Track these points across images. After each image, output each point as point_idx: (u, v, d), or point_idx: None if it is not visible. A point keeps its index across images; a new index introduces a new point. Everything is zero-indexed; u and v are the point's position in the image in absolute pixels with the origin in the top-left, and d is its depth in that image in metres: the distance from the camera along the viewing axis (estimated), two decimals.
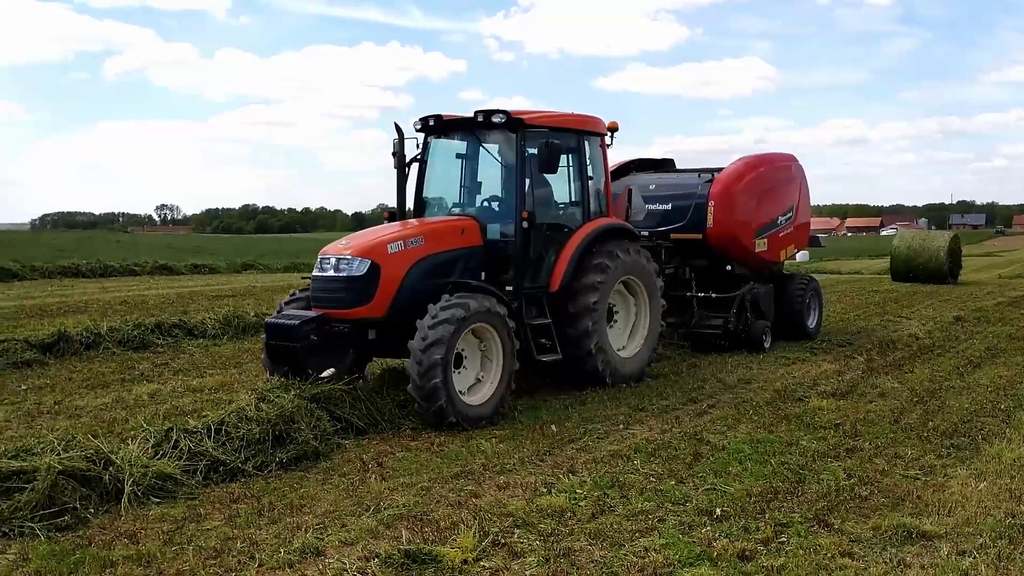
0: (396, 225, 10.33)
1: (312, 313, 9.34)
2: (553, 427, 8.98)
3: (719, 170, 14.41)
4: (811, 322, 15.31)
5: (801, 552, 5.60)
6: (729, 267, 14.06)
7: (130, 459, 6.96)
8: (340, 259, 9.29)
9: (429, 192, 11.18)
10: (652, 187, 14.41)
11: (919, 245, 28.99)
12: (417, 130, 10.97)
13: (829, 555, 5.56)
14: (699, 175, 14.40)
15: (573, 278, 10.52)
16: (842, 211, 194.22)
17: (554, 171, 10.29)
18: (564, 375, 10.80)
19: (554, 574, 5.30)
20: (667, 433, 8.73)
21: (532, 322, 10.22)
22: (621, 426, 9.10)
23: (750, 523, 6.11)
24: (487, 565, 5.43)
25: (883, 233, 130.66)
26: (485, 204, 10.93)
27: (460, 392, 8.95)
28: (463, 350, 9.11)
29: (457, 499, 6.75)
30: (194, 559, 5.55)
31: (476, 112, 10.37)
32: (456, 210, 10.90)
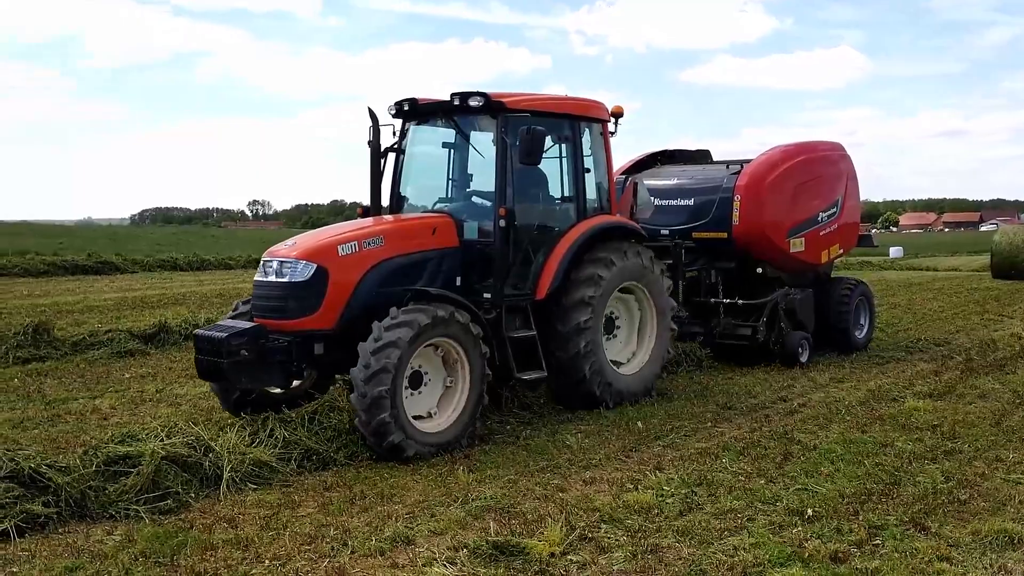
0: (353, 223, 9.07)
1: (245, 324, 8.06)
2: (639, 424, 8.94)
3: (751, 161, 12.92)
4: (860, 332, 13.59)
5: (896, 555, 5.47)
6: (760, 270, 12.43)
7: (228, 446, 7.21)
8: (283, 262, 8.07)
9: (408, 186, 9.94)
10: (674, 181, 13.00)
11: (1022, 241, 27.82)
12: (392, 115, 9.69)
13: (926, 559, 5.42)
14: (727, 167, 12.81)
15: (563, 285, 9.26)
16: (939, 206, 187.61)
17: (536, 162, 8.83)
18: (558, 396, 9.66)
19: (642, 570, 5.29)
20: (756, 432, 8.61)
21: (513, 335, 8.90)
22: (709, 424, 9.01)
23: (843, 524, 5.99)
24: (574, 559, 5.45)
25: (982, 229, 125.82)
26: (465, 199, 9.71)
27: (421, 416, 7.92)
28: (423, 368, 7.98)
29: (543, 493, 6.79)
30: (290, 544, 5.73)
31: (452, 95, 9.05)
32: (440, 206, 9.67)
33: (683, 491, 6.74)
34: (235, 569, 5.33)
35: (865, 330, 13.71)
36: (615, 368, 9.76)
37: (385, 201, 9.84)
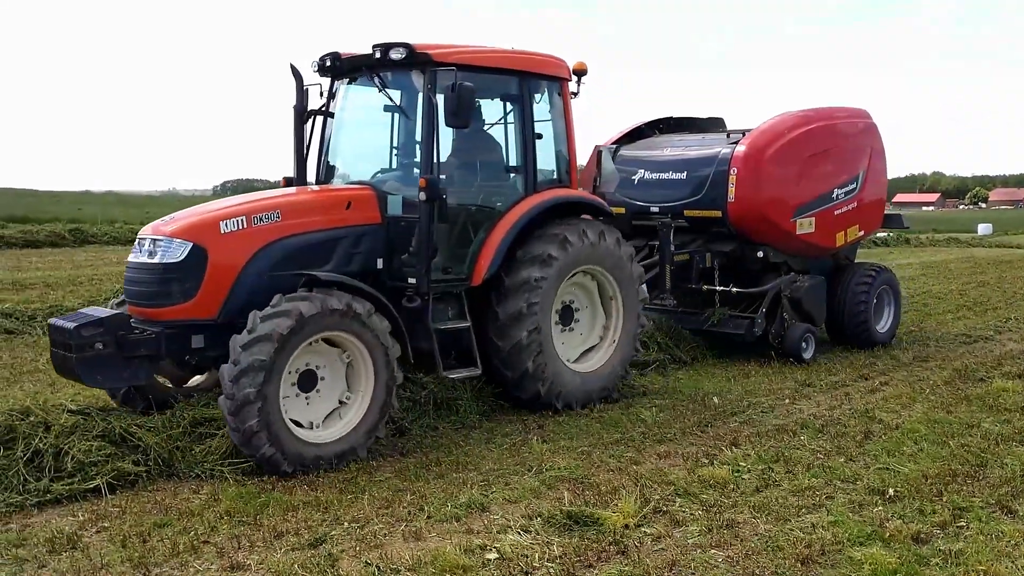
0: (246, 197, 7.86)
1: (104, 312, 6.96)
2: (715, 399, 8.86)
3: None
4: (881, 325, 11.90)
5: (981, 538, 5.33)
6: (760, 253, 10.90)
7: None
8: (155, 240, 6.94)
9: (339, 154, 8.66)
10: (666, 152, 11.47)
11: None
12: (317, 72, 8.46)
13: (1012, 542, 5.27)
14: (728, 136, 11.21)
15: (505, 267, 8.08)
16: None
17: (463, 124, 7.50)
18: (505, 395, 8.49)
19: (717, 544, 5.26)
20: (836, 410, 8.45)
21: (442, 326, 7.74)
22: (787, 401, 8.87)
23: (926, 505, 5.85)
24: (648, 531, 5.45)
25: None
26: (393, 169, 8.55)
27: (317, 424, 6.87)
28: (318, 366, 6.88)
29: (617, 465, 6.79)
30: (368, 508, 5.85)
31: (374, 46, 7.79)
32: (373, 178, 8.40)
33: (759, 467, 6.67)
34: (315, 530, 5.47)
35: (889, 323, 12.05)
36: (568, 364, 8.50)
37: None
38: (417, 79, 7.82)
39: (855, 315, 11.55)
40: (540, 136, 8.52)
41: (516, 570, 4.89)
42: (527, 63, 8.40)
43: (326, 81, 8.48)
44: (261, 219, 7.16)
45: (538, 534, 5.38)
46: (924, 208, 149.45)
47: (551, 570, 4.89)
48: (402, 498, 6.05)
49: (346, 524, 5.58)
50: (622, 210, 11.11)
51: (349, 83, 8.47)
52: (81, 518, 5.69)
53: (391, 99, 8.12)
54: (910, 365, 10.61)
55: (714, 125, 12.28)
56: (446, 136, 8.07)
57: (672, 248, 10.56)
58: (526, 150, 8.41)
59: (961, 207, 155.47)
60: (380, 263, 7.75)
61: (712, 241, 11.05)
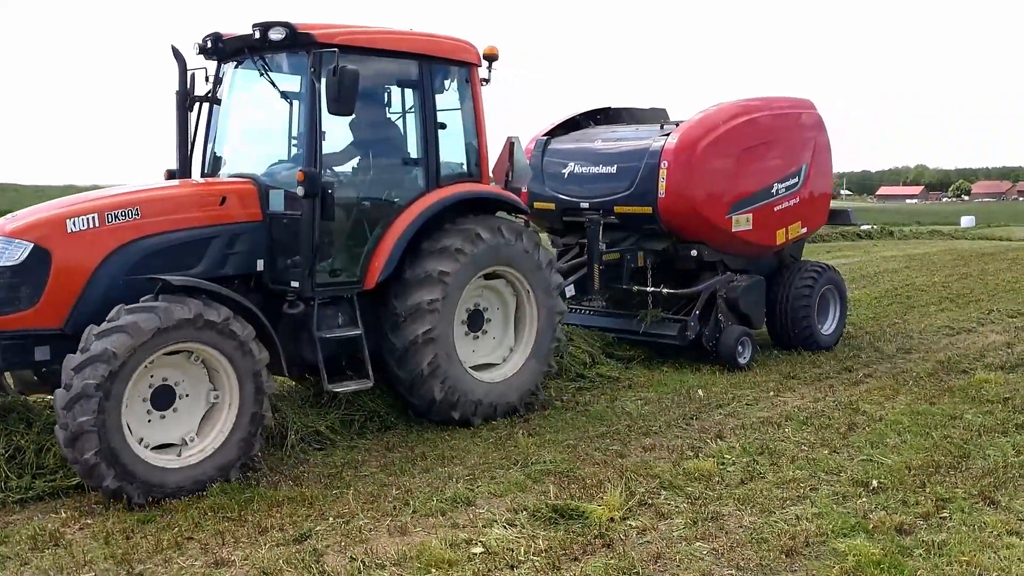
0: (102, 192, 7.07)
1: None
2: (700, 392, 8.88)
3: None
4: (826, 327, 11.24)
5: (964, 528, 5.36)
6: (695, 252, 10.26)
7: (293, 407, 7.35)
8: None
9: (227, 144, 7.86)
10: (597, 143, 10.79)
11: None
12: (200, 54, 7.63)
13: (995, 533, 5.30)
14: (662, 127, 10.57)
15: (406, 262, 7.47)
16: (1013, 174, 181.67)
17: (346, 111, 6.79)
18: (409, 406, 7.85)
19: (702, 537, 5.28)
20: (820, 402, 8.49)
21: (328, 334, 7.06)
22: (771, 393, 8.90)
23: (909, 497, 5.89)
24: (634, 524, 5.46)
25: None
26: (285, 161, 7.76)
27: (176, 444, 6.18)
28: (175, 381, 6.17)
29: (603, 458, 6.80)
30: (353, 502, 5.84)
31: (254, 25, 7.10)
32: (263, 169, 7.58)
33: (744, 459, 6.69)
34: (300, 525, 5.45)
35: (833, 325, 11.38)
36: (472, 372, 7.83)
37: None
38: (300, 62, 7.19)
39: (797, 317, 10.86)
40: (443, 126, 7.83)
41: (502, 564, 4.89)
42: (428, 46, 7.71)
43: (213, 65, 7.74)
44: (116, 217, 6.43)
45: (524, 528, 5.38)
46: (908, 201, 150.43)
47: (536, 563, 4.89)
48: (387, 493, 6.04)
49: (331, 519, 5.56)
50: (551, 205, 10.73)
51: (236, 66, 7.70)
52: (64, 515, 5.66)
53: (274, 84, 7.32)
54: (893, 357, 10.66)
55: (656, 116, 11.54)
56: (340, 125, 7.52)
57: (603, 246, 9.98)
58: (427, 141, 7.71)
59: (944, 200, 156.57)
60: (261, 265, 7.02)
61: (645, 239, 10.42)
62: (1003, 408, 8.15)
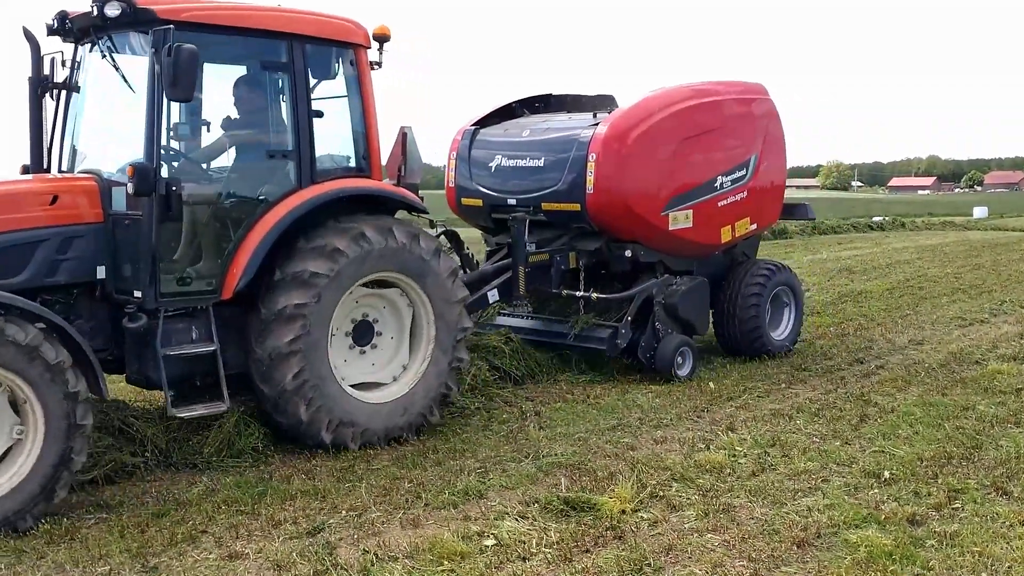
0: None
1: None
2: (711, 384, 8.88)
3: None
4: (779, 332, 10.32)
5: (976, 519, 5.36)
6: (628, 252, 9.30)
7: None
8: None
9: (81, 134, 6.96)
10: (526, 134, 9.72)
11: None
12: (51, 36, 6.78)
13: (1007, 524, 5.29)
14: (595, 115, 9.50)
15: (279, 260, 6.62)
16: None
17: (185, 97, 5.98)
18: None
19: (714, 528, 5.29)
20: (831, 394, 8.47)
21: (175, 351, 6.23)
22: (783, 385, 8.90)
23: (921, 488, 5.88)
24: (645, 516, 5.47)
25: None
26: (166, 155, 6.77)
27: None
28: None
29: (614, 451, 6.81)
30: (365, 496, 5.87)
31: (92, 2, 6.24)
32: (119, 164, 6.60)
33: (756, 451, 6.69)
34: (312, 518, 5.48)
35: (787, 330, 10.46)
36: (350, 389, 6.94)
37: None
38: (141, 41, 6.38)
39: (746, 321, 9.91)
40: (320, 114, 6.96)
41: (513, 556, 4.91)
42: (300, 25, 6.81)
43: (71, 47, 6.90)
44: None
45: (535, 520, 5.40)
46: (920, 192, 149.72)
47: (548, 555, 4.91)
48: (399, 486, 6.07)
49: (344, 512, 5.59)
50: (479, 202, 9.83)
51: (91, 49, 6.75)
52: (79, 510, 5.70)
53: (116, 67, 6.48)
54: (905, 348, 10.63)
55: (604, 104, 10.25)
56: (200, 113, 6.89)
57: (533, 246, 9.17)
58: (300, 132, 6.79)
59: (957, 190, 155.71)
60: (102, 272, 6.21)
61: (577, 239, 9.47)
62: (1015, 399, 8.12)
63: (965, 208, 54.78)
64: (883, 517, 5.38)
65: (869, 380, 9.04)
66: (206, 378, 6.50)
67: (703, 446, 6.88)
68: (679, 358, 9.09)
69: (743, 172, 9.93)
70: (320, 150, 6.98)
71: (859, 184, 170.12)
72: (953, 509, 5.56)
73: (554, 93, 10.73)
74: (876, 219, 35.68)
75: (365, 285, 6.98)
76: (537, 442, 7.04)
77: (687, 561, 4.87)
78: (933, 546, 5.01)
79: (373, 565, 4.83)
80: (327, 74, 7.15)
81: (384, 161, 7.55)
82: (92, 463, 6.14)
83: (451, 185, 10.12)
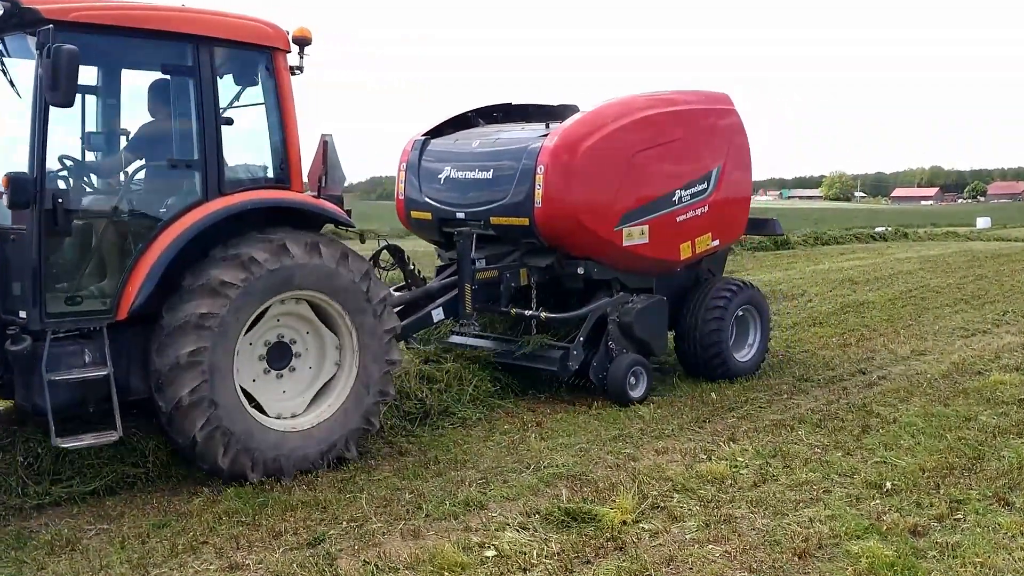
0: None
1: None
2: (713, 395, 8.87)
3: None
4: (743, 353, 9.80)
5: (978, 530, 5.34)
6: (581, 269, 8.83)
7: None
8: None
9: None
10: (475, 144, 9.26)
11: None
12: None
13: (1009, 534, 5.28)
14: (547, 125, 8.98)
15: (189, 270, 6.15)
16: None
17: (65, 102, 5.56)
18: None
19: (715, 539, 5.28)
20: (833, 404, 8.46)
21: (62, 376, 5.76)
22: (784, 396, 8.89)
23: (923, 498, 5.87)
24: (647, 527, 5.46)
25: None
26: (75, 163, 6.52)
27: None
28: None
29: (615, 462, 6.81)
30: (366, 506, 5.86)
31: None
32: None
33: (757, 462, 6.69)
34: (313, 529, 5.48)
35: (752, 351, 9.91)
36: (260, 415, 6.45)
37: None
38: (27, 43, 5.94)
39: (707, 342, 9.40)
40: (229, 121, 6.56)
41: (514, 567, 4.91)
42: (207, 26, 6.36)
43: None
44: None
45: (536, 531, 5.39)
46: (923, 202, 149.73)
47: (549, 567, 4.90)
48: (400, 497, 6.07)
49: (344, 523, 5.59)
50: (428, 215, 9.40)
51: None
52: (80, 521, 5.70)
53: (4, 71, 6.17)
54: (908, 359, 10.62)
55: (565, 115, 9.52)
56: (118, 121, 6.62)
57: (482, 262, 8.80)
58: (206, 140, 6.33)
59: (960, 201, 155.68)
60: None
61: (528, 255, 8.98)
62: (1018, 409, 8.11)
63: (968, 218, 54.79)
64: (885, 528, 5.37)
65: (871, 391, 9.02)
66: (101, 404, 5.98)
67: (704, 457, 6.87)
68: (632, 378, 8.61)
69: (704, 186, 9.46)
70: (235, 160, 6.65)
71: (862, 195, 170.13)
72: (955, 520, 5.54)
73: (514, 103, 10.34)
74: (879, 229, 35.67)
75: (286, 304, 6.54)
76: (538, 453, 7.03)
77: (688, 572, 4.86)
78: (935, 557, 4.99)
79: None
80: (241, 79, 6.77)
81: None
82: (93, 474, 6.17)
83: (400, 197, 9.74)
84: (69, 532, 5.47)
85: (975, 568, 4.83)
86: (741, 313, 9.79)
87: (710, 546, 5.18)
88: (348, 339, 6.79)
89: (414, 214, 9.58)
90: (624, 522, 5.49)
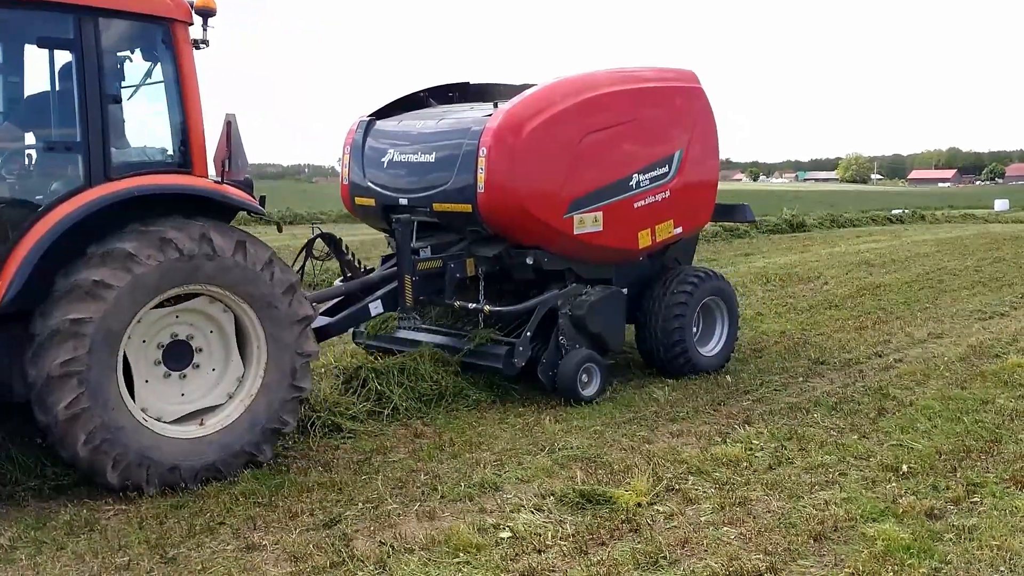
0: None
1: None
2: (728, 377, 8.85)
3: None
4: (709, 348, 9.23)
5: (995, 513, 5.32)
6: (530, 259, 8.19)
7: (323, 397, 7.41)
8: None
9: None
10: (419, 125, 8.63)
11: None
12: None
13: None
14: (495, 105, 8.21)
15: (63, 270, 5.62)
16: None
17: None
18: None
19: (730, 522, 5.27)
20: (849, 387, 8.43)
21: None
22: (800, 379, 8.85)
23: (939, 481, 5.85)
24: (661, 509, 5.46)
25: None
26: None
27: None
28: None
29: (630, 444, 6.81)
30: (382, 488, 5.90)
31: None
32: None
33: (772, 445, 6.67)
34: (329, 510, 5.51)
35: (719, 346, 9.33)
36: (154, 422, 5.93)
37: None
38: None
39: (669, 336, 8.79)
40: (117, 100, 6.04)
41: (529, 548, 4.92)
42: None
43: None
44: None
45: (551, 513, 5.41)
46: (940, 184, 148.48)
47: (564, 548, 4.91)
48: (416, 478, 6.09)
49: (360, 504, 5.62)
50: (371, 201, 8.77)
51: None
52: (99, 501, 5.74)
53: None
54: (925, 342, 10.56)
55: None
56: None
57: (428, 251, 8.25)
58: (89, 121, 5.78)
59: (978, 183, 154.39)
60: None
61: (476, 244, 8.35)
62: None
63: (986, 200, 54.35)
64: (901, 511, 5.35)
65: (887, 374, 8.98)
66: None
67: (719, 439, 6.86)
68: (583, 376, 8.02)
69: (665, 169, 8.78)
70: (135, 142, 6.20)
71: (878, 177, 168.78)
72: (972, 503, 5.52)
73: (472, 82, 9.64)
74: (895, 212, 35.45)
75: (184, 300, 6.04)
76: (553, 435, 7.04)
77: (703, 554, 4.86)
78: (951, 540, 4.97)
79: (389, 557, 4.85)
80: (135, 53, 6.20)
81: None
82: None
83: (345, 182, 9.06)
84: (88, 513, 5.52)
85: (992, 551, 4.81)
86: (707, 304, 9.23)
87: (725, 528, 5.18)
88: (253, 332, 6.25)
89: (358, 200, 8.97)
90: (639, 504, 5.49)
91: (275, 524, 5.34)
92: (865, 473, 6.06)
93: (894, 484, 5.83)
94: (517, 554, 4.86)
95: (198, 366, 6.21)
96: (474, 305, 8.25)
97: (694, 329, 9.05)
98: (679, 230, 9.10)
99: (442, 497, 5.73)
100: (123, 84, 6.18)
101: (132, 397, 5.82)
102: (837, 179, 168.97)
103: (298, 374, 6.36)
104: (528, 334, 8.01)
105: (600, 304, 8.27)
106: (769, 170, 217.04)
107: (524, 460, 6.44)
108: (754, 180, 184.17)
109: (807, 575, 4.64)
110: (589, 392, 8.06)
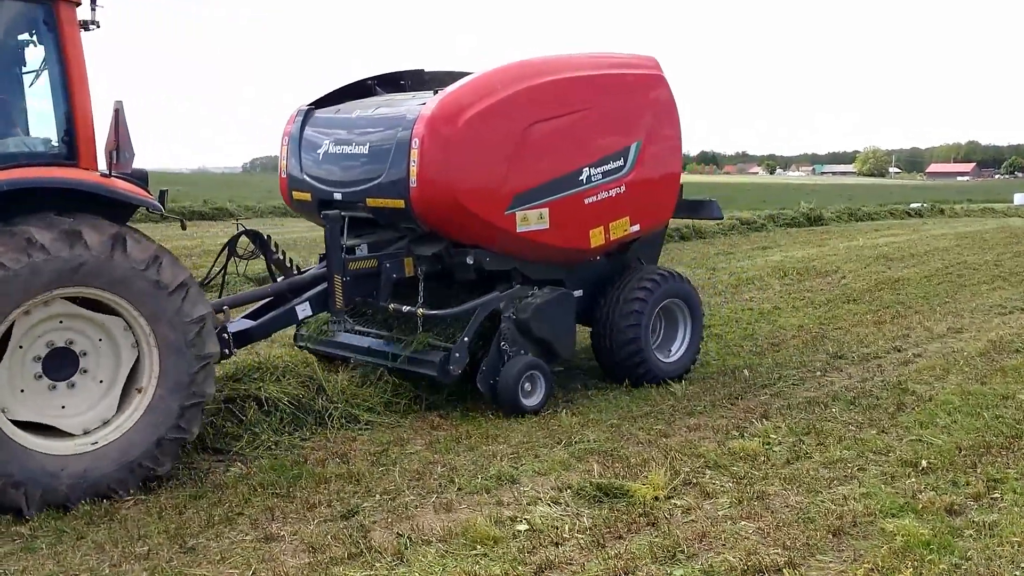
0: None
1: None
2: (745, 372, 8.82)
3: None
4: (669, 355, 8.67)
5: (1016, 509, 5.28)
6: (470, 259, 7.61)
7: (339, 388, 7.43)
8: None
9: None
10: (356, 113, 8.03)
11: None
12: None
13: None
14: (435, 92, 7.60)
15: None
16: None
17: None
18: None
19: (748, 516, 5.26)
20: (868, 382, 8.38)
21: None
22: (818, 373, 8.81)
23: (959, 477, 5.81)
24: (679, 503, 5.45)
25: None
26: None
27: None
28: None
29: (647, 438, 6.79)
30: (399, 479, 5.92)
31: None
32: None
33: (790, 439, 6.64)
34: (347, 502, 5.54)
35: (681, 351, 8.75)
36: (29, 437, 5.44)
37: None
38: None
39: (624, 342, 8.21)
40: None
41: (546, 541, 4.92)
42: None
43: None
44: None
45: (568, 506, 5.40)
46: (959, 178, 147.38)
47: (581, 541, 4.91)
48: (433, 470, 6.11)
49: (378, 496, 5.64)
50: (307, 196, 8.18)
51: None
52: (118, 491, 5.79)
53: None
54: (944, 336, 10.48)
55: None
56: None
57: (365, 249, 7.73)
58: None
59: (997, 176, 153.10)
60: None
61: (416, 242, 7.76)
62: None
63: (1006, 194, 53.83)
64: (920, 506, 5.32)
65: (907, 368, 8.92)
66: None
67: (737, 434, 6.84)
68: (526, 384, 7.48)
69: (619, 163, 8.11)
70: (14, 131, 5.84)
71: (897, 170, 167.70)
72: (992, 499, 5.48)
73: (427, 69, 8.99)
74: (914, 205, 35.17)
75: (54, 305, 5.51)
76: (569, 428, 7.04)
77: (720, 548, 4.85)
78: (971, 536, 4.94)
79: (406, 548, 4.86)
80: (13, 37, 5.82)
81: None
82: None
83: (283, 175, 8.46)
84: (107, 502, 5.56)
85: (1012, 547, 4.77)
86: (667, 307, 8.63)
87: (743, 522, 5.16)
88: (143, 335, 5.74)
89: (295, 194, 8.34)
90: (656, 498, 5.48)
91: (293, 515, 5.36)
92: (884, 468, 6.02)
93: (913, 479, 5.79)
94: (534, 547, 4.86)
95: (86, 371, 5.73)
96: (408, 308, 7.68)
97: (653, 334, 8.55)
98: (636, 228, 8.42)
99: (459, 489, 5.74)
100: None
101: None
102: (855, 172, 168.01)
103: (198, 379, 5.86)
104: (466, 339, 7.45)
105: (546, 307, 7.74)
106: (786, 163, 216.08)
107: (541, 453, 6.44)
108: (771, 173, 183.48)
109: (826, 570, 4.61)
110: (532, 402, 7.52)
